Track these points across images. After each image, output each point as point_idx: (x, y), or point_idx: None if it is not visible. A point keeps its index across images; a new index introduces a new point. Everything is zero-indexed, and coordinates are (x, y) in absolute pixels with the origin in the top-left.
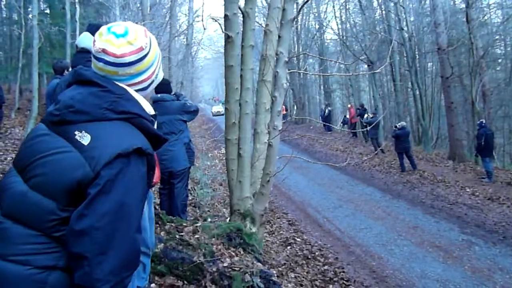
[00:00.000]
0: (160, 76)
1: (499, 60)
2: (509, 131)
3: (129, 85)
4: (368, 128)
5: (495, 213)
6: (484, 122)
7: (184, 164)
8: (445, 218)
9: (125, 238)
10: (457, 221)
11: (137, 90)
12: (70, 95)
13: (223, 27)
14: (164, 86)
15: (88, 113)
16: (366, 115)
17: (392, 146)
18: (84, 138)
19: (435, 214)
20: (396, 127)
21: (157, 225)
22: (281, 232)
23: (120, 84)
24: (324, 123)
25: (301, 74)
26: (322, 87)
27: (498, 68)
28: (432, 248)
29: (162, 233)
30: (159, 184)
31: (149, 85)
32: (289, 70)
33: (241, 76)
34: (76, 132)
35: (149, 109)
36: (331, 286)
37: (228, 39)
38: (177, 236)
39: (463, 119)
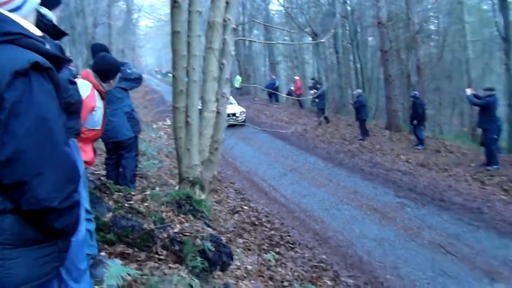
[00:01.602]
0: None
1: (432, 36)
2: (439, 103)
3: None
4: (317, 100)
5: (425, 177)
6: (417, 93)
7: (128, 134)
8: (381, 183)
9: (56, 153)
10: (392, 185)
11: (10, 11)
12: None
13: None
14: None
15: None
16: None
17: (334, 117)
18: None
19: (373, 180)
20: (354, 101)
21: (105, 195)
22: (229, 201)
23: None
24: (271, 91)
25: (246, 43)
26: (267, 59)
27: (431, 44)
28: (370, 211)
29: (110, 202)
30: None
31: (23, 4)
32: (236, 38)
33: (188, 43)
34: None
35: (35, 31)
36: (277, 249)
37: (174, 3)
38: (126, 205)
39: (400, 91)
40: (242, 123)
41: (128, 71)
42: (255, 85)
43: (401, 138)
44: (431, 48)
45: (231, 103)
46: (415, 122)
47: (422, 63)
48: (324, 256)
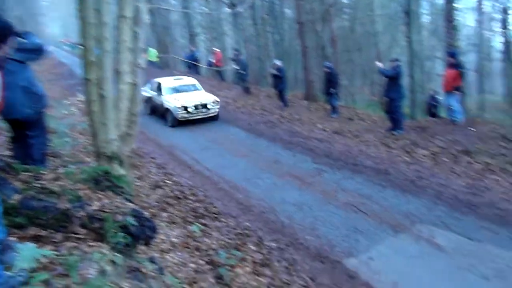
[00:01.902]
0: None
1: (345, 10)
2: (351, 74)
3: None
4: (244, 72)
5: (340, 144)
6: (330, 64)
7: (25, 111)
8: (300, 151)
9: None
10: (310, 153)
11: None
12: None
13: None
14: None
15: None
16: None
17: (254, 88)
18: None
19: (292, 148)
20: (276, 70)
21: (10, 176)
22: (151, 176)
23: None
24: (192, 62)
25: (162, 13)
26: (186, 30)
27: (344, 17)
28: (290, 178)
29: (18, 183)
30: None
31: None
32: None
33: (97, 10)
34: None
35: None
36: (202, 220)
37: None
38: (37, 185)
39: (316, 63)
40: (214, 116)
41: (25, 40)
42: (174, 56)
43: (318, 107)
44: (344, 21)
45: (197, 90)
46: (332, 91)
47: (336, 35)
48: (248, 224)
